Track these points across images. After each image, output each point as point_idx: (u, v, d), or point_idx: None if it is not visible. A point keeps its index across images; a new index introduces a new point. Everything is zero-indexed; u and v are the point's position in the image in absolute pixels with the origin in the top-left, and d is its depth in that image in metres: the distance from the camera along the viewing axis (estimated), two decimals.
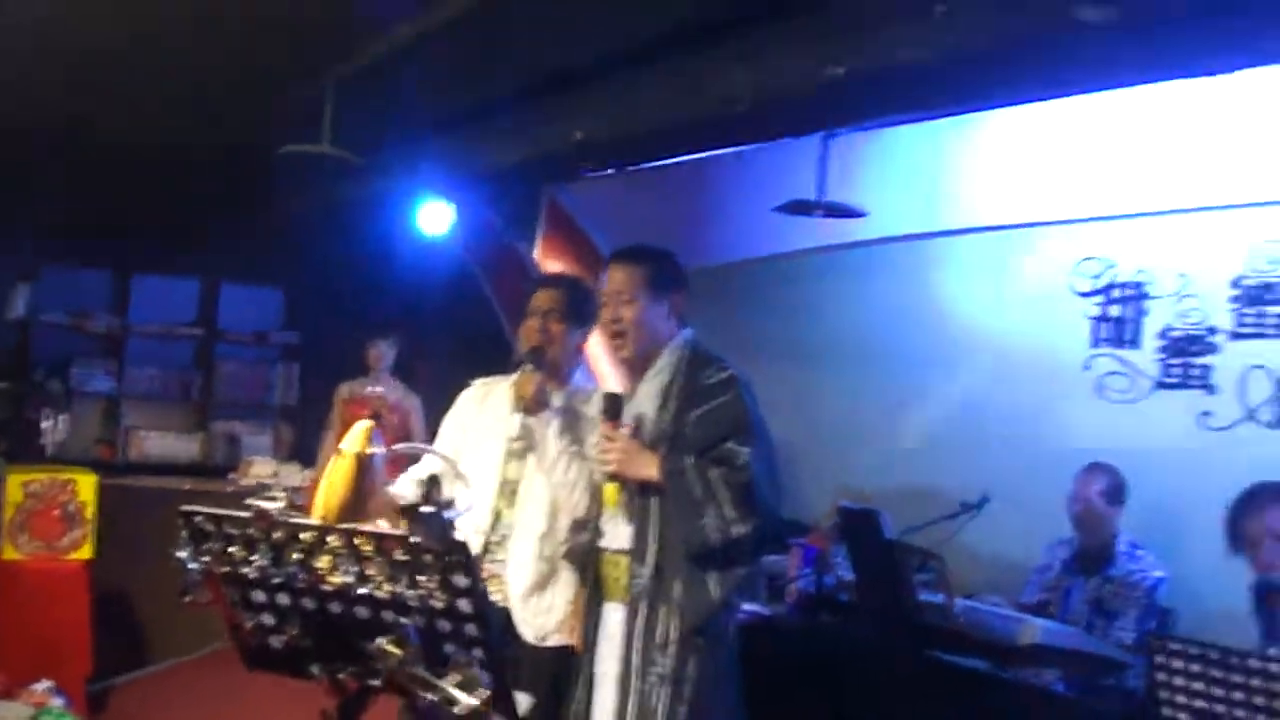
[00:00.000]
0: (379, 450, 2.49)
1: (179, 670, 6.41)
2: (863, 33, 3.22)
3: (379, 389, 6.89)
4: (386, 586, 2.09)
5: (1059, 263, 5.32)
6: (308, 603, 2.21)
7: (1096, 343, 5.19)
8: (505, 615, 3.36)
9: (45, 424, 8.03)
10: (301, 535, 2.15)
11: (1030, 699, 4.02)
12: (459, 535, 2.18)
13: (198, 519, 2.25)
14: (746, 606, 4.82)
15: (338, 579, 2.13)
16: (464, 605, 2.07)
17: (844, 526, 4.33)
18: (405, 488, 3.26)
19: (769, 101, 3.45)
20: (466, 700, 1.92)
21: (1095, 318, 5.20)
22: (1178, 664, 3.03)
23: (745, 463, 3.06)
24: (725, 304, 6.92)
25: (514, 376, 3.44)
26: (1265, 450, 4.54)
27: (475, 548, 3.38)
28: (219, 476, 7.93)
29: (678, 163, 5.56)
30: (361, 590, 2.11)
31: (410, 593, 2.06)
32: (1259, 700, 2.86)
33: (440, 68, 4.26)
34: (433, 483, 2.17)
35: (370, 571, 2.09)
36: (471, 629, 2.08)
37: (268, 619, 2.29)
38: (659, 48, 3.86)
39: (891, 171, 5.46)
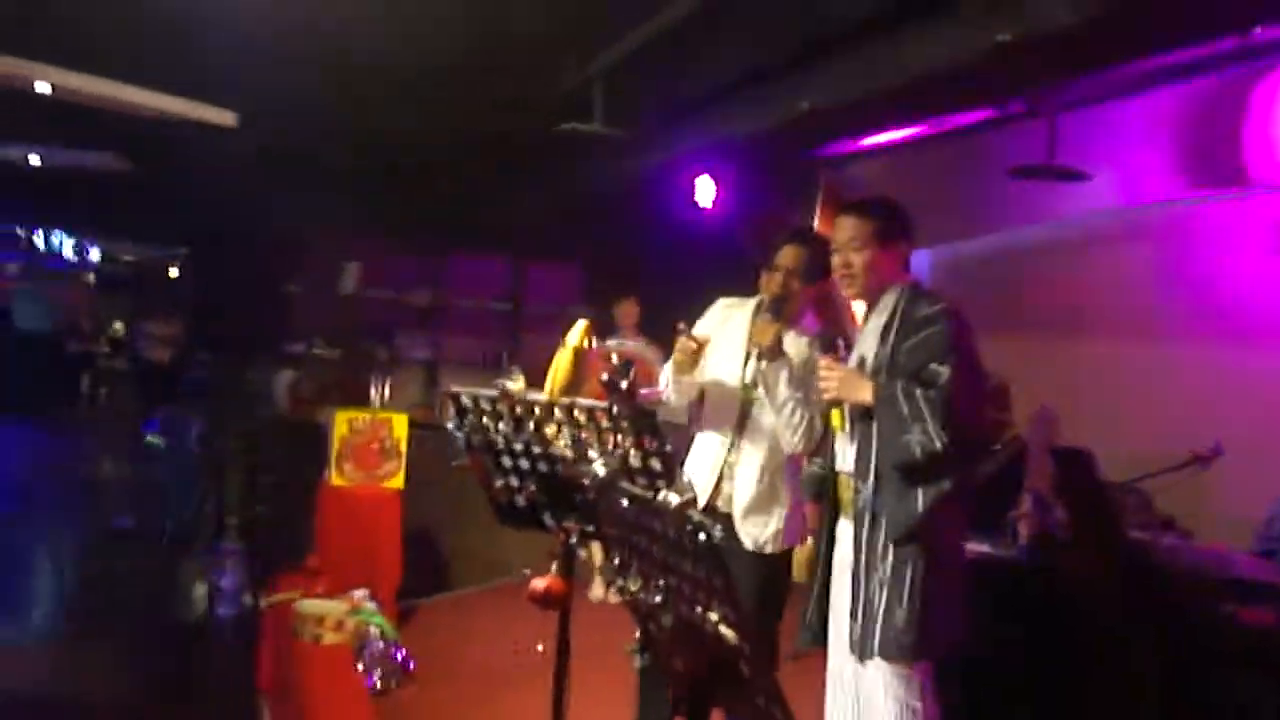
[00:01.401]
0: (593, 344, 3.04)
1: (475, 596, 7.26)
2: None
3: (616, 341, 7.33)
4: (596, 448, 2.62)
5: None
6: (542, 465, 2.78)
7: None
8: (729, 521, 3.93)
9: (373, 389, 9.07)
10: (534, 409, 2.72)
11: (1238, 635, 4.19)
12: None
13: (461, 398, 2.86)
14: (978, 546, 5.19)
15: (562, 444, 2.69)
16: (654, 463, 2.59)
17: (1057, 468, 4.58)
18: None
19: (952, 70, 3.80)
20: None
21: None
22: None
23: (946, 381, 3.29)
24: (991, 276, 7.24)
25: (753, 302, 4.03)
26: None
27: (712, 460, 4.00)
28: None
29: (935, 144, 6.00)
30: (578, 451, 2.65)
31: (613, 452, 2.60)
32: None
33: (694, 51, 4.78)
34: (628, 366, 2.68)
35: (584, 436, 2.64)
36: (663, 484, 2.60)
37: (513, 480, 2.87)
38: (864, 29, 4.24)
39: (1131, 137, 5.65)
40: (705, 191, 7.05)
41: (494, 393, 2.77)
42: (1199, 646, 4.34)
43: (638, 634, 2.23)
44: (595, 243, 8.72)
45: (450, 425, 2.85)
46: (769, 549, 3.98)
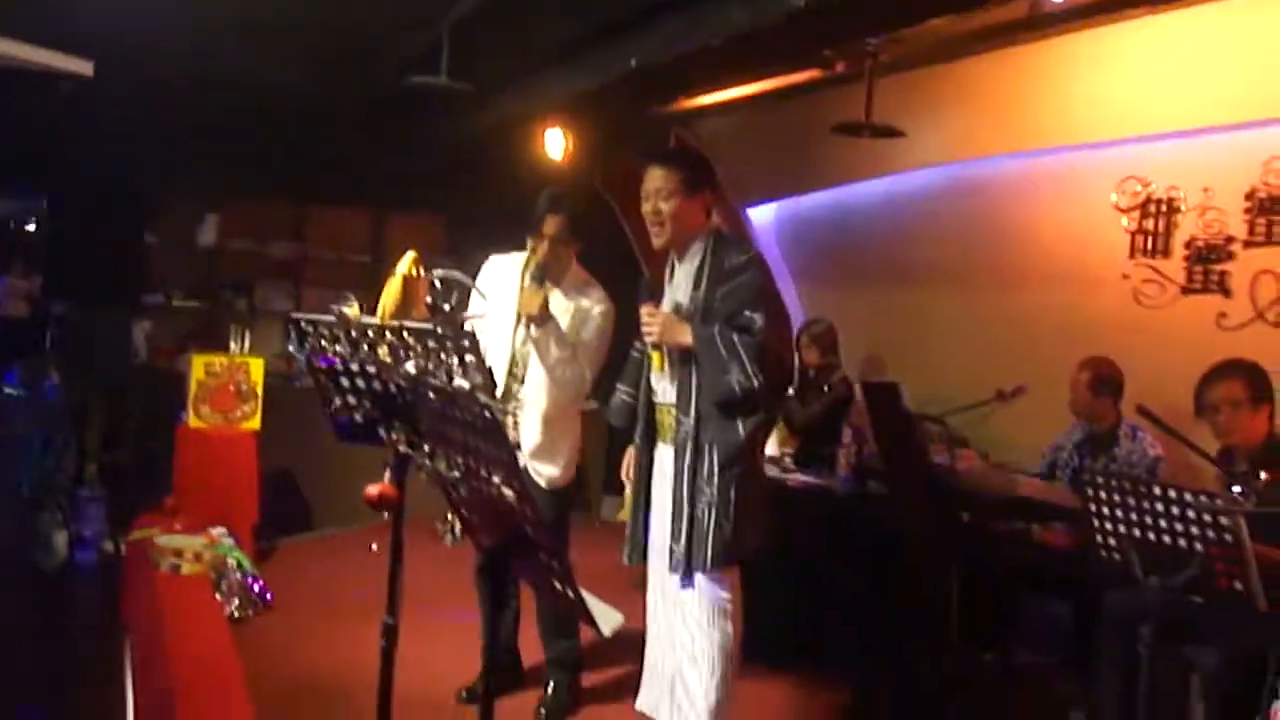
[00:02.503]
0: (420, 273, 3.32)
1: (333, 539, 7.49)
2: None
3: (442, 271, 7.61)
4: (422, 366, 2.91)
5: (1103, 182, 5.85)
6: (375, 384, 3.05)
7: (1133, 254, 5.71)
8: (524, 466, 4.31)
9: (232, 340, 9.18)
10: (368, 331, 3.00)
11: (1027, 549, 4.67)
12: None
13: (301, 323, 3.11)
14: (804, 476, 5.62)
15: (390, 364, 2.96)
16: (476, 378, 2.88)
17: (868, 399, 4.99)
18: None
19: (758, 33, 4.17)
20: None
21: (1132, 231, 5.72)
22: (1103, 494, 3.67)
23: (759, 327, 3.62)
24: (827, 229, 7.67)
25: (523, 258, 4.33)
26: (1272, 345, 5.03)
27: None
28: None
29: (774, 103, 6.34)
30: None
31: (439, 370, 2.88)
32: (1163, 521, 3.48)
33: (535, 9, 5.06)
34: (450, 289, 2.97)
35: (412, 355, 2.92)
36: (482, 400, 2.90)
37: (350, 399, 3.13)
38: None
39: (946, 100, 6.09)
40: (555, 145, 7.33)
41: (331, 318, 3.03)
42: (992, 560, 4.83)
43: (448, 516, 2.55)
44: (455, 195, 8.88)
45: (292, 348, 3.09)
46: (560, 483, 4.42)
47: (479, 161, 8.18)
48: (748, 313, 3.66)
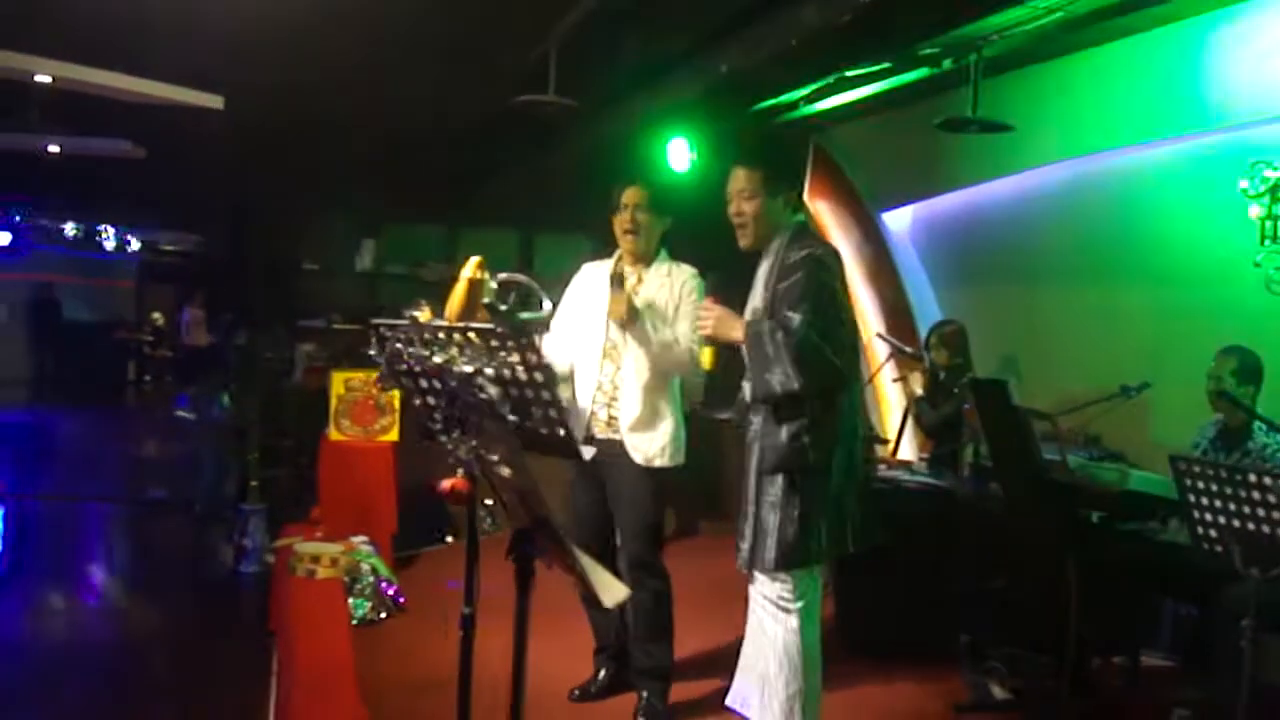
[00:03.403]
0: (486, 277, 3.43)
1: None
2: None
3: (506, 274, 7.74)
4: (490, 369, 3.02)
5: (1231, 167, 5.64)
6: (451, 383, 3.17)
7: (1264, 240, 5.49)
8: (621, 444, 4.43)
9: None
10: (438, 334, 3.13)
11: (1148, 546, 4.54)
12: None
13: (380, 329, 3.27)
14: (924, 478, 5.58)
15: (462, 365, 3.08)
16: (537, 376, 2.98)
17: (976, 397, 4.92)
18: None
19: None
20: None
21: (1262, 216, 5.49)
22: (1200, 483, 3.57)
23: (796, 326, 3.57)
24: (960, 230, 7.61)
25: (612, 261, 4.52)
26: None
27: (589, 396, 4.51)
28: None
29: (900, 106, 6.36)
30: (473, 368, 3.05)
31: (504, 370, 2.99)
32: (1260, 510, 3.38)
33: (639, 24, 5.18)
34: (507, 290, 3.09)
35: (480, 358, 3.04)
36: (546, 394, 3.00)
37: (430, 399, 3.28)
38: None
39: (1064, 94, 5.98)
40: (679, 155, 7.42)
41: (405, 322, 3.17)
42: (1112, 559, 4.70)
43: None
44: (594, 210, 9.05)
45: (373, 353, 3.24)
46: (657, 463, 4.45)
47: (613, 176, 8.32)
48: (787, 312, 3.63)
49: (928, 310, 7.88)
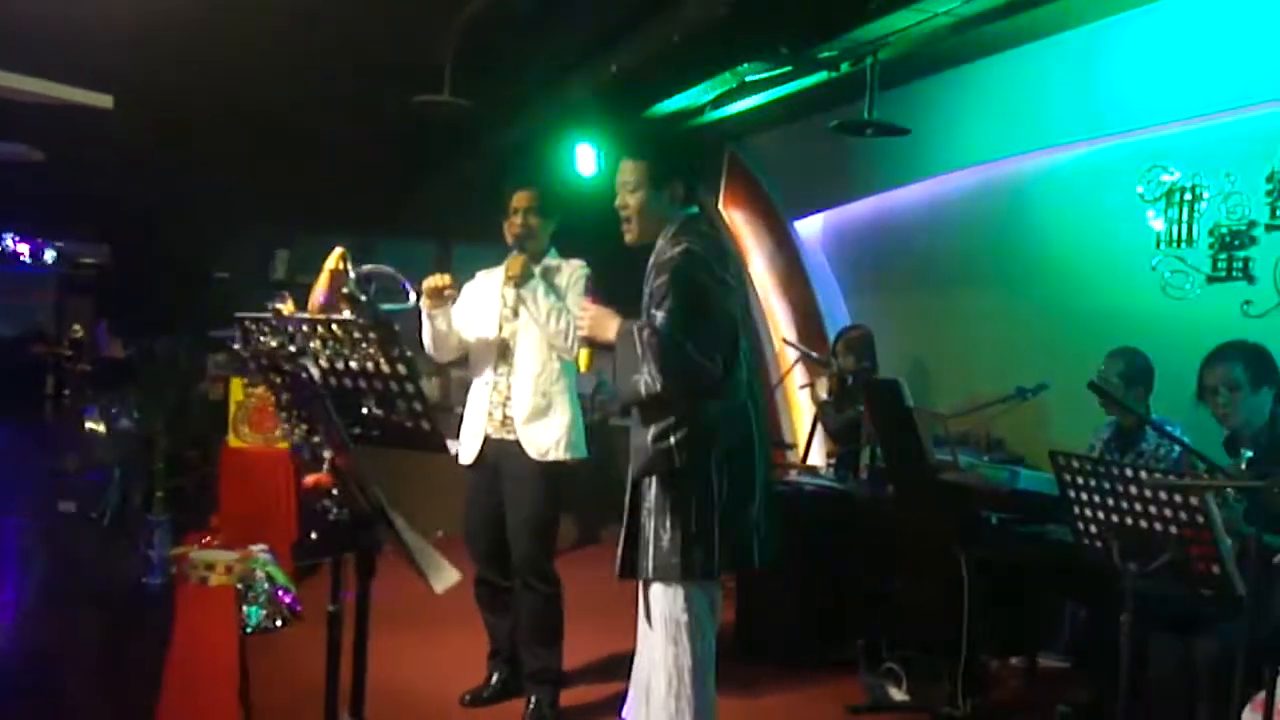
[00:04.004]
0: (348, 268, 3.38)
1: (383, 555, 7.59)
2: None
3: (370, 266, 7.71)
4: (354, 361, 2.97)
5: (1128, 172, 5.71)
6: (285, 369, 3.10)
7: (1159, 244, 5.56)
8: (516, 443, 4.42)
9: None
10: (302, 326, 3.07)
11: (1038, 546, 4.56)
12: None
13: (245, 321, 3.20)
14: (823, 481, 5.59)
15: (325, 359, 3.03)
16: (401, 368, 2.93)
17: (870, 397, 4.93)
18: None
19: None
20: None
21: (1158, 221, 5.57)
22: (1079, 478, 3.59)
23: (661, 324, 3.41)
24: (869, 237, 7.67)
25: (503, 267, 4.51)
26: None
27: (485, 399, 4.52)
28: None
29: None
30: (339, 364, 3.00)
31: (367, 363, 2.94)
32: (1137, 504, 3.39)
33: (536, 25, 5.16)
34: (368, 279, 3.05)
35: (342, 349, 2.98)
36: (409, 387, 2.95)
37: (285, 395, 3.21)
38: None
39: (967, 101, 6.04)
40: (586, 160, 7.39)
41: (268, 314, 3.11)
42: (1003, 559, 4.72)
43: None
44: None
45: (236, 346, 3.17)
46: (553, 456, 4.46)
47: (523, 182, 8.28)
48: (654, 310, 3.48)
49: (838, 317, 7.91)
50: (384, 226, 9.71)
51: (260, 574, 5.70)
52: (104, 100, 5.79)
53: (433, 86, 5.73)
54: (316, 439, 2.33)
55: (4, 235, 15.91)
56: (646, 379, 3.39)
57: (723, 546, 3.51)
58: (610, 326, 3.55)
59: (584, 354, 3.83)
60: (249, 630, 5.40)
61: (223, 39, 5.70)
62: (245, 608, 5.51)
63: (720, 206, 8.88)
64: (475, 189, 8.64)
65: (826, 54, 5.35)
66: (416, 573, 2.28)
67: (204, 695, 3.94)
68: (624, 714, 3.88)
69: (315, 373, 2.31)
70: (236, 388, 6.48)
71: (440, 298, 4.45)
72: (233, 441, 6.46)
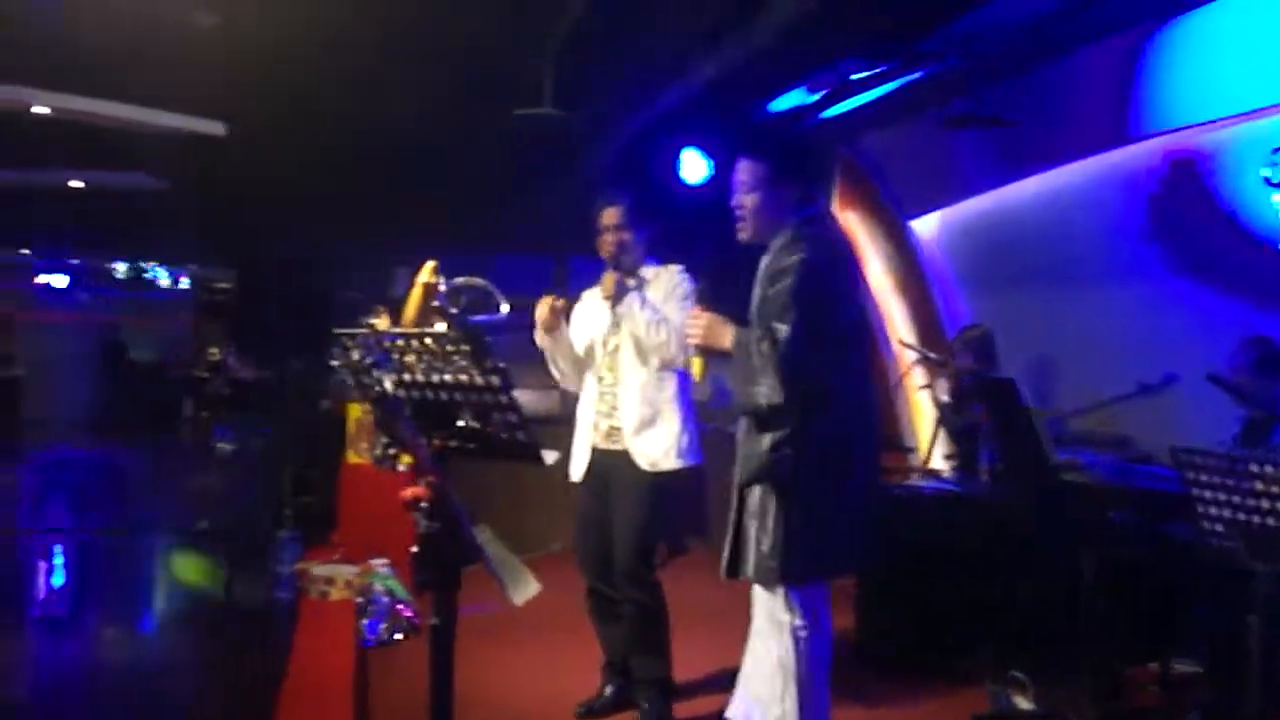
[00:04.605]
0: (441, 282, 3.40)
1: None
2: None
3: (463, 279, 7.68)
4: (448, 374, 2.98)
5: (1253, 157, 5.47)
6: (412, 392, 3.14)
7: None
8: (625, 454, 4.42)
9: None
10: (397, 341, 3.09)
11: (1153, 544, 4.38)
12: None
13: (343, 338, 3.24)
14: (944, 484, 5.46)
15: (420, 372, 3.04)
16: (494, 380, 2.93)
17: (986, 398, 4.79)
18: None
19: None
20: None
21: None
22: (1202, 475, 3.44)
23: (783, 338, 3.41)
24: (988, 234, 7.50)
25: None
26: None
27: (592, 412, 4.54)
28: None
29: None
30: (435, 378, 3.01)
31: (460, 375, 2.95)
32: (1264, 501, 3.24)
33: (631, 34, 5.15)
34: (458, 292, 3.05)
35: (436, 363, 2.99)
36: (503, 398, 2.95)
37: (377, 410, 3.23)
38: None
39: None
40: (693, 167, 7.31)
41: (365, 330, 3.14)
42: (1129, 561, 4.54)
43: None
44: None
45: (335, 362, 3.21)
46: (663, 465, 4.41)
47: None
48: (774, 323, 3.46)
49: (959, 316, 7.73)
50: (501, 242, 9.84)
51: (379, 588, 5.75)
52: (216, 128, 5.95)
53: (534, 100, 5.76)
54: (392, 452, 2.30)
55: (139, 262, 16.63)
56: (766, 391, 3.42)
57: (822, 551, 3.55)
58: (725, 333, 3.58)
59: (698, 362, 3.73)
60: (369, 644, 5.47)
61: (333, 64, 5.80)
62: (365, 621, 5.58)
63: (834, 208, 8.77)
64: (586, 201, 8.74)
65: (929, 48, 5.23)
66: (499, 584, 2.27)
67: (320, 708, 3.99)
68: (727, 714, 3.86)
69: (389, 386, 2.29)
70: (354, 406, 6.57)
71: (555, 319, 4.51)
72: (351, 458, 6.57)
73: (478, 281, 3.39)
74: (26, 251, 15.98)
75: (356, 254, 9.72)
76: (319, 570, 5.73)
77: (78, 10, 4.86)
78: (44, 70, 5.19)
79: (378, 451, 2.58)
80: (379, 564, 6.10)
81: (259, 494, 8.85)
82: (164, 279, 17.13)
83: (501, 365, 2.93)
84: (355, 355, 3.09)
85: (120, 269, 16.33)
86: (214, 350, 17.75)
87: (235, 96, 5.83)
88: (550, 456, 3.98)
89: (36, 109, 5.27)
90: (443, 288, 3.30)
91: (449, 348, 2.96)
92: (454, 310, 3.00)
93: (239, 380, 14.98)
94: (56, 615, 7.37)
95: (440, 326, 3.21)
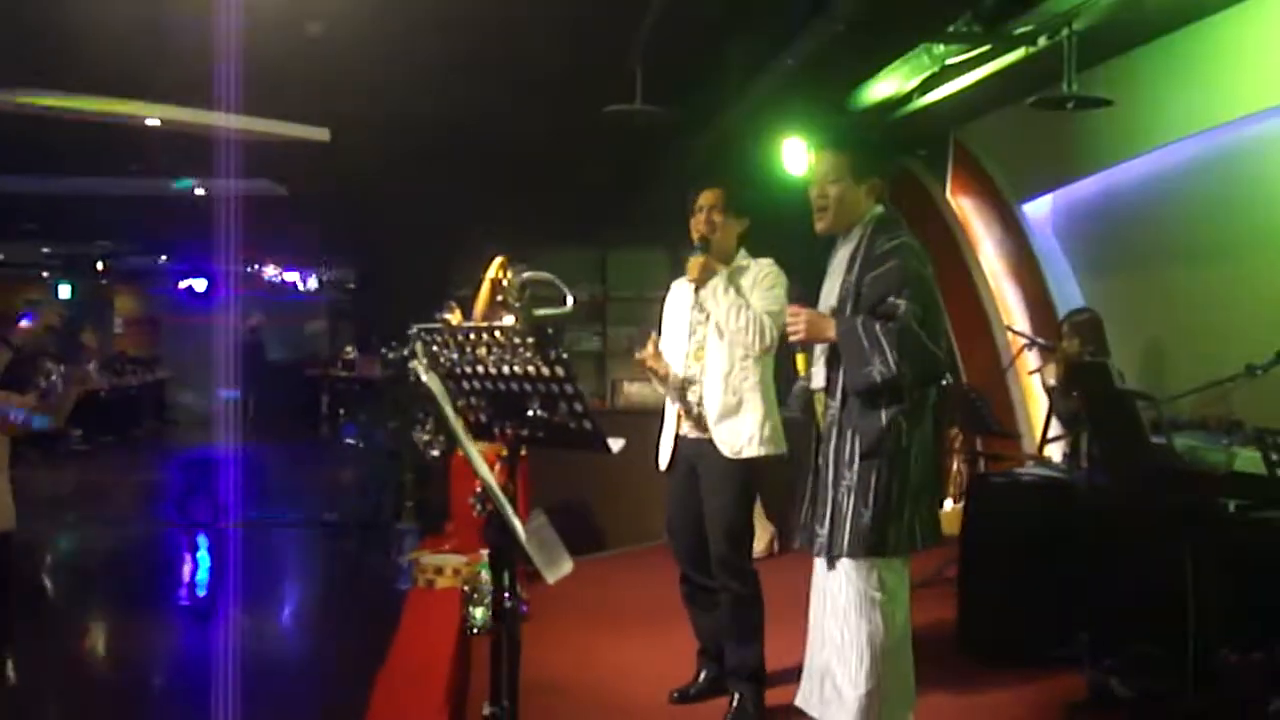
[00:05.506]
0: (508, 275, 3.49)
1: (619, 559, 7.78)
2: None
3: (530, 273, 7.73)
4: (515, 366, 3.08)
5: None
6: (486, 384, 3.25)
7: None
8: (710, 442, 4.45)
9: None
10: (469, 335, 3.20)
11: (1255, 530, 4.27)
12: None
13: (421, 332, 3.36)
14: (1042, 470, 5.40)
15: (491, 364, 3.16)
16: (559, 370, 3.03)
17: (1078, 381, 4.73)
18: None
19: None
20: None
21: None
22: None
23: (903, 313, 3.60)
24: (1100, 215, 7.34)
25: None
26: None
27: (677, 395, 4.58)
28: None
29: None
30: (504, 369, 3.12)
31: (528, 367, 3.05)
32: None
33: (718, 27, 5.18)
34: (524, 287, 3.14)
35: (505, 355, 3.10)
36: (569, 388, 3.04)
37: (471, 400, 3.36)
38: None
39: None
40: (796, 158, 7.28)
41: (438, 325, 3.26)
42: (1234, 543, 4.43)
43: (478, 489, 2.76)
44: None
45: (412, 360, 3.33)
46: (746, 453, 4.44)
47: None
48: (891, 299, 3.65)
49: (1071, 300, 7.59)
50: (614, 236, 9.96)
51: (485, 576, 5.93)
52: (321, 134, 6.15)
53: (628, 95, 5.84)
54: (428, 438, 2.40)
55: (269, 266, 17.23)
56: (881, 367, 3.56)
57: (915, 524, 3.70)
58: (826, 326, 3.72)
59: (801, 358, 3.91)
60: (474, 631, 5.64)
61: (430, 69, 5.95)
62: (472, 609, 5.75)
63: (948, 194, 8.69)
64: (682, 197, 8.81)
65: (1021, 29, 5.16)
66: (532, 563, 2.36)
67: (414, 692, 4.14)
68: (797, 702, 3.91)
69: (421, 374, 2.40)
70: None
71: (658, 360, 4.58)
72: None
73: (544, 276, 3.49)
74: (165, 259, 16.66)
75: (469, 253, 9.92)
76: (429, 559, 5.96)
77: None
78: (149, 84, 5.42)
79: (426, 435, 2.66)
80: (487, 553, 6.28)
81: (382, 488, 9.14)
82: (294, 281, 17.70)
83: (565, 356, 3.02)
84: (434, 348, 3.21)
85: (271, 271, 16.97)
86: (350, 349, 18.34)
87: (336, 101, 6.02)
88: (617, 445, 4.08)
89: (150, 122, 5.53)
90: (505, 282, 3.39)
91: (515, 340, 3.07)
92: (517, 304, 3.09)
93: (362, 378, 15.51)
94: (201, 605, 7.75)
95: (508, 320, 3.30)
